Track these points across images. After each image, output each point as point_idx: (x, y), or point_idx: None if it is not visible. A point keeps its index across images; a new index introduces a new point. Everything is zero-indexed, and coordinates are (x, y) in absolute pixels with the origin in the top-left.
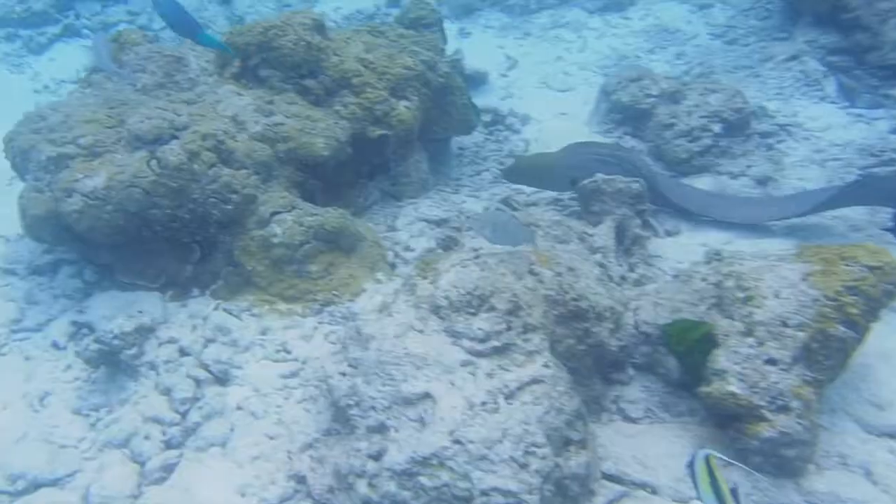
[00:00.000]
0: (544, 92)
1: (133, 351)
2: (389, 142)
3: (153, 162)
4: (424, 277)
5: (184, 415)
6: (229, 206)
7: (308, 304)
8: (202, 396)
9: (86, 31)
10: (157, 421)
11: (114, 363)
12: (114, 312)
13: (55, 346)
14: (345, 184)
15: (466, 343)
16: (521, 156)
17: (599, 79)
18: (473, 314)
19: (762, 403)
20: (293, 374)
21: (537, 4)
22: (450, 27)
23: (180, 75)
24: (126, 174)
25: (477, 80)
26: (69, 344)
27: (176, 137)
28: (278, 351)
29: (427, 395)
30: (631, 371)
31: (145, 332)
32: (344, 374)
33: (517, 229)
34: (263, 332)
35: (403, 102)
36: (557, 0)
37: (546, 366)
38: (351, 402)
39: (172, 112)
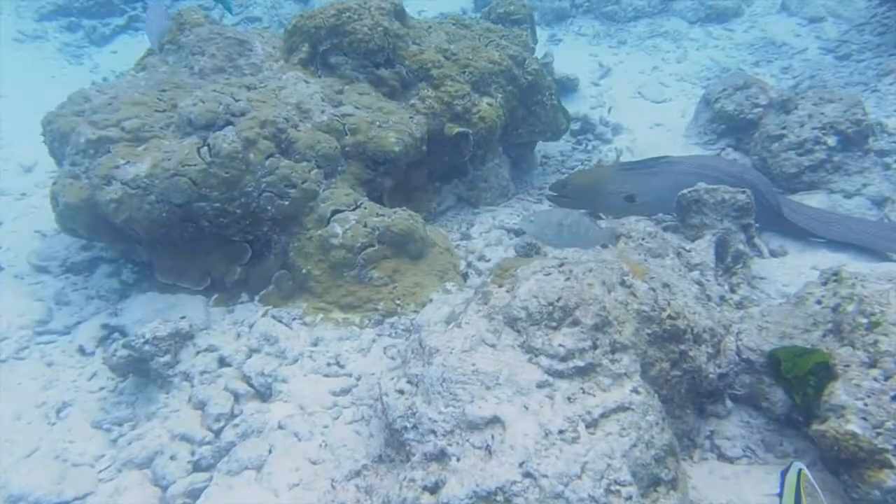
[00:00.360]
0: (638, 102)
1: (166, 359)
2: (469, 141)
3: (204, 149)
4: (500, 285)
5: (217, 433)
6: (286, 202)
7: (367, 314)
8: (240, 412)
9: None
10: (186, 439)
11: (143, 372)
12: (151, 316)
13: (81, 351)
14: (417, 186)
15: (545, 361)
16: (571, 174)
17: (698, 91)
18: (554, 328)
19: (887, 447)
20: (345, 391)
21: (634, 13)
22: (540, 34)
23: (243, 59)
24: (172, 161)
25: (567, 87)
26: (97, 349)
27: (231, 124)
28: (330, 364)
29: (496, 420)
30: (729, 403)
31: (182, 338)
32: (401, 392)
33: (588, 229)
34: (315, 343)
35: (486, 99)
36: (656, 9)
37: (635, 391)
38: (407, 425)
39: (230, 96)
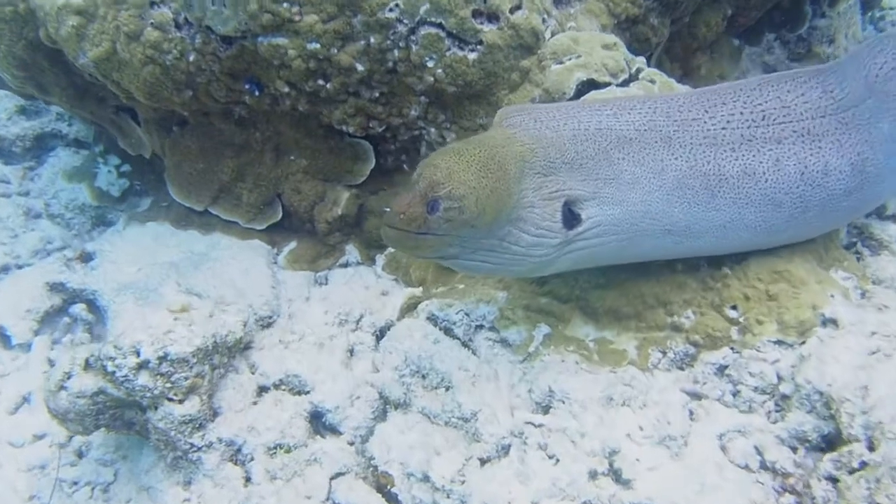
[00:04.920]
0: None
1: (188, 409)
2: None
3: None
4: None
5: None
6: (470, 53)
7: (656, 335)
8: None
9: None
10: None
11: (134, 427)
12: (153, 277)
13: (4, 341)
14: (701, 43)
15: None
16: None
17: None
18: None
19: None
20: None
21: None
22: None
23: None
24: None
25: None
26: (36, 339)
27: None
28: (578, 461)
29: None
30: None
31: (225, 353)
32: None
33: None
34: (544, 403)
35: None
36: None
37: None
38: None
39: None
